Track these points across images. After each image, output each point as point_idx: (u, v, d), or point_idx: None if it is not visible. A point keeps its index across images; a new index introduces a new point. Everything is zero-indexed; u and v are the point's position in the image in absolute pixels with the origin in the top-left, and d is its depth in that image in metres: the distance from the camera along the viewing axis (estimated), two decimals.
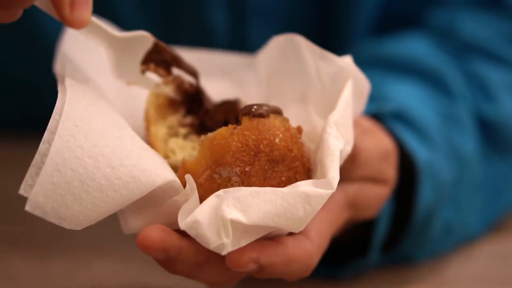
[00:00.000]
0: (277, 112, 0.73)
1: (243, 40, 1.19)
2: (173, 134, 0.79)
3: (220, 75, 0.86)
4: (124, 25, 1.20)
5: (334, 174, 0.69)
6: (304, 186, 0.69)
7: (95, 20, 0.77)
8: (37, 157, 0.67)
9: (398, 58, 1.04)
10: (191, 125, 0.80)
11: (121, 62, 0.79)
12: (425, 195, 0.92)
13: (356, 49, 1.14)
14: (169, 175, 0.70)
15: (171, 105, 0.81)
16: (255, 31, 1.18)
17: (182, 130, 0.79)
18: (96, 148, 0.67)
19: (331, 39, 1.21)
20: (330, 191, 0.69)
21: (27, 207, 0.67)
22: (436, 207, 0.94)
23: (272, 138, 0.71)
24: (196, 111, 0.81)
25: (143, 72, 0.80)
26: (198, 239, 0.67)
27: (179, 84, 0.81)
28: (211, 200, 0.68)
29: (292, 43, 0.78)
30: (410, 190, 0.91)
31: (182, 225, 0.67)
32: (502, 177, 1.04)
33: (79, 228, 0.68)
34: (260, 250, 0.69)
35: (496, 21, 1.09)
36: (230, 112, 0.79)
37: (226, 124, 0.77)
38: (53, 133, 0.67)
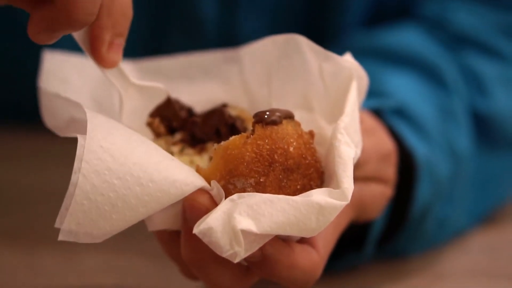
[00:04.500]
0: (289, 116, 0.72)
1: (233, 30, 1.17)
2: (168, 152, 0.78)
3: (203, 76, 0.84)
4: None
5: (347, 185, 0.68)
6: (317, 195, 0.68)
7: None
8: (70, 188, 0.66)
9: (393, 49, 1.03)
10: (182, 141, 0.79)
11: (131, 107, 0.79)
12: (423, 191, 0.92)
13: (348, 40, 1.14)
14: (198, 182, 0.70)
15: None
16: (245, 21, 1.17)
17: (175, 148, 0.78)
18: (124, 167, 0.67)
19: (322, 30, 1.20)
20: (344, 203, 0.68)
21: (60, 237, 0.67)
22: (432, 203, 0.94)
23: (286, 147, 0.70)
24: (179, 126, 0.79)
25: (148, 125, 0.80)
26: (211, 246, 0.67)
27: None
28: (225, 205, 0.68)
29: (293, 43, 0.76)
30: (408, 186, 0.91)
31: (196, 231, 0.67)
32: (493, 172, 1.04)
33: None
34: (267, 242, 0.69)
35: (488, 12, 1.09)
36: (219, 121, 0.77)
37: (218, 134, 0.76)
38: (82, 160, 0.66)
